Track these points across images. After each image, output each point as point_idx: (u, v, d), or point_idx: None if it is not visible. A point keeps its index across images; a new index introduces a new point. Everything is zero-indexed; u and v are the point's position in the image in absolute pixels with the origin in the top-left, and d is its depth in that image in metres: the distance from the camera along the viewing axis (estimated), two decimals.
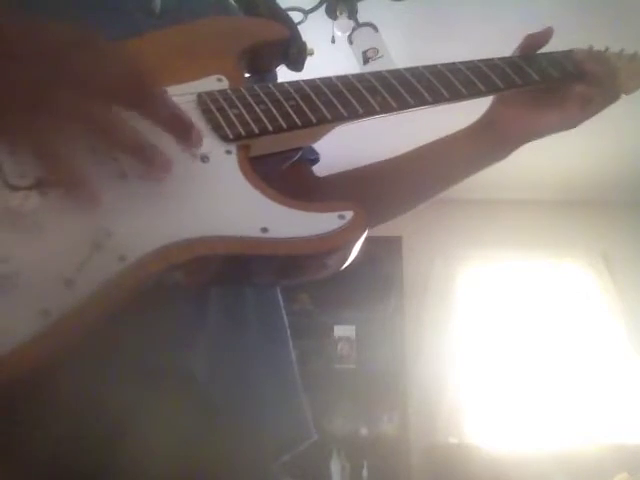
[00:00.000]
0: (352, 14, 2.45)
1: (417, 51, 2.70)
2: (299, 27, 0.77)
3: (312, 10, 2.42)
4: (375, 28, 2.45)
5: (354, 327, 4.02)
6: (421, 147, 0.85)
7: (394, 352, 3.91)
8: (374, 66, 2.38)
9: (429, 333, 3.93)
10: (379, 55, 2.38)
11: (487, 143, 0.82)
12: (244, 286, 0.66)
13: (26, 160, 0.48)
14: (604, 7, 2.54)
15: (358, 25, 2.45)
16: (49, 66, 0.48)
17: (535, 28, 0.81)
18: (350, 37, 2.46)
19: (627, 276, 4.09)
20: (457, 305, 4.08)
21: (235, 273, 0.54)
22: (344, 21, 2.42)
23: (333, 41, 2.46)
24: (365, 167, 0.86)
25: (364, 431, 3.83)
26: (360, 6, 2.46)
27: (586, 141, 3.38)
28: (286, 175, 0.64)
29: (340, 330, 4.00)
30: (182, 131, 0.52)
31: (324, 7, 2.45)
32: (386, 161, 0.85)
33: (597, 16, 2.52)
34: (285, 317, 0.74)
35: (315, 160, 0.87)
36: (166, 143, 0.52)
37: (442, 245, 4.12)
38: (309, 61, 0.76)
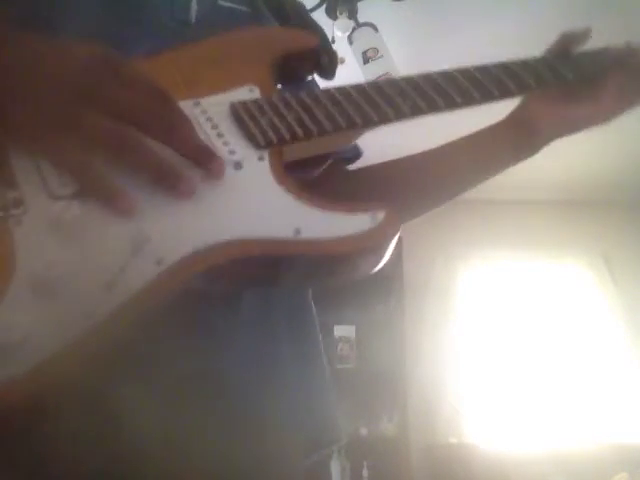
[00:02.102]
0: (352, 14, 2.45)
1: (417, 51, 2.71)
2: None
3: (312, 10, 2.42)
4: (375, 28, 2.45)
5: (354, 327, 4.02)
6: (447, 144, 0.83)
7: (394, 352, 3.91)
8: (374, 66, 2.38)
9: (429, 333, 3.93)
10: (379, 55, 2.38)
11: (516, 139, 0.80)
12: (275, 288, 0.67)
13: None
14: (606, 6, 2.54)
15: (358, 25, 2.45)
16: (78, 86, 0.50)
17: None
18: (350, 37, 2.46)
19: (627, 276, 4.09)
20: (457, 305, 4.08)
21: (268, 275, 0.55)
22: (344, 21, 2.42)
23: (333, 41, 2.45)
24: (391, 163, 0.84)
25: (364, 431, 3.83)
26: (360, 6, 2.46)
27: (587, 141, 3.37)
28: (319, 176, 0.64)
29: (340, 330, 3.99)
30: (204, 162, 0.53)
31: (324, 7, 2.45)
32: (412, 157, 0.83)
33: (599, 16, 2.52)
34: (316, 318, 0.74)
35: (351, 159, 0.85)
36: None
37: (442, 245, 4.12)
38: None
